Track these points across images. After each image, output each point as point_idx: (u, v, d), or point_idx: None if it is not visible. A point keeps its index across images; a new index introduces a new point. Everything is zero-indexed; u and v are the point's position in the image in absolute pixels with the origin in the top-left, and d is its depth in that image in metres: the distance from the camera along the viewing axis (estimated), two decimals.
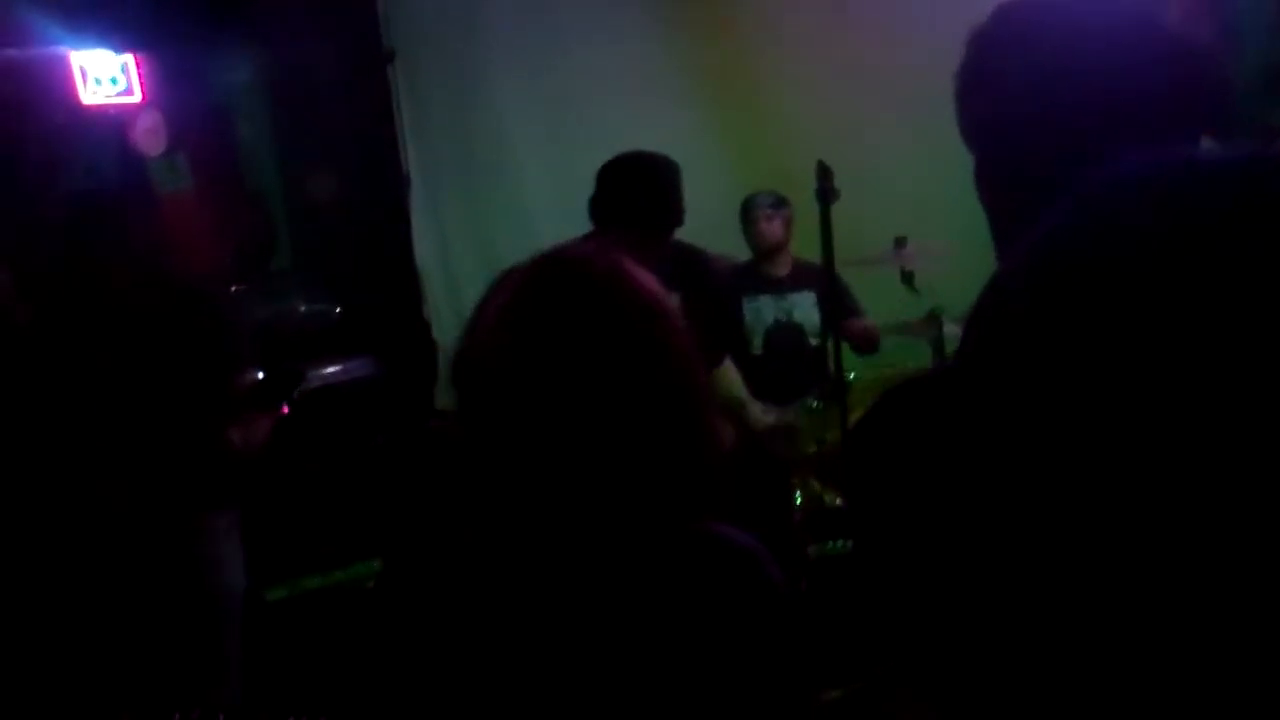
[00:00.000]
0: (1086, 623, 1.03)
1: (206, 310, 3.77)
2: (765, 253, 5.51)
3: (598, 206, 4.06)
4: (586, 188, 6.41)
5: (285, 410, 3.92)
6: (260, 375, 3.72)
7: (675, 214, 4.05)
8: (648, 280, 1.60)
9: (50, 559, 3.63)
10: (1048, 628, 1.07)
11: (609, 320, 1.52)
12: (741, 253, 5.63)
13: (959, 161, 4.85)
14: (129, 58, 7.71)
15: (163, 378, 3.57)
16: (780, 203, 5.47)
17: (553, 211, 6.41)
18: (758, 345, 5.47)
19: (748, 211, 5.52)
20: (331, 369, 5.39)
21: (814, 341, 5.45)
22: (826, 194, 3.75)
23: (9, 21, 5.72)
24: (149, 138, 8.10)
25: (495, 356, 1.55)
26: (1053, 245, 1.13)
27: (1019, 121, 1.32)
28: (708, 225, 5.98)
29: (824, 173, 3.79)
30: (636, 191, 3.97)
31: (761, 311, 5.49)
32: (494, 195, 6.48)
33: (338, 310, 6.00)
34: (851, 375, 4.54)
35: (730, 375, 4.58)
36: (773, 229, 5.48)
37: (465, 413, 1.59)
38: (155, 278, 3.69)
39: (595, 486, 1.50)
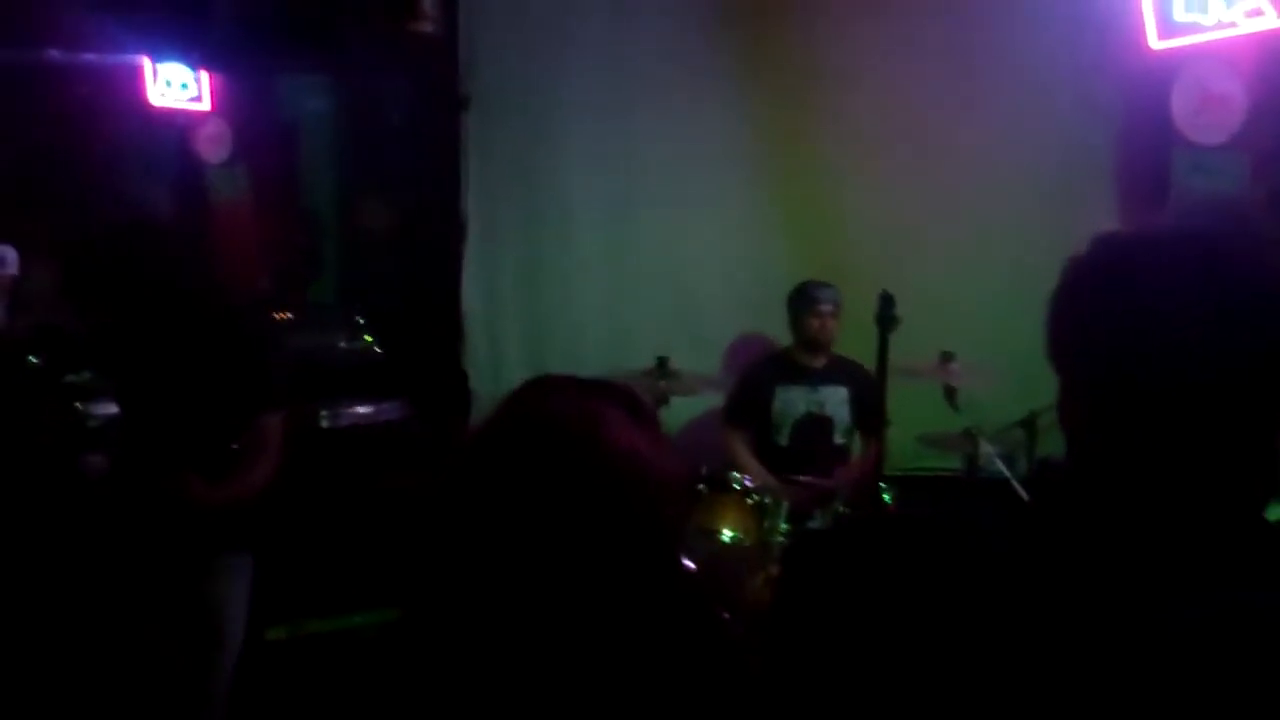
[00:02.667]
0: None
1: (246, 345, 3.75)
2: (811, 346, 5.45)
3: None
4: (640, 255, 6.50)
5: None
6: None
7: None
8: (630, 442, 1.47)
9: (58, 574, 3.65)
10: None
11: (572, 482, 1.43)
12: (782, 335, 5.61)
13: (1010, 289, 4.84)
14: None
15: (195, 407, 3.56)
16: (839, 301, 5.39)
17: (604, 275, 6.46)
18: (785, 436, 5.43)
19: (808, 303, 5.41)
20: (364, 409, 5.37)
21: (841, 440, 5.42)
22: (887, 321, 3.72)
23: (90, 27, 5.78)
24: (212, 145, 8.20)
25: (454, 498, 1.48)
26: None
27: (1103, 363, 1.28)
28: (753, 306, 6.03)
29: (887, 301, 3.76)
30: None
31: (793, 402, 5.44)
32: (548, 254, 6.49)
33: (377, 350, 6.00)
34: (887, 496, 4.51)
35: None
36: (831, 327, 5.41)
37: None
38: (200, 306, 3.68)
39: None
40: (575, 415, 1.47)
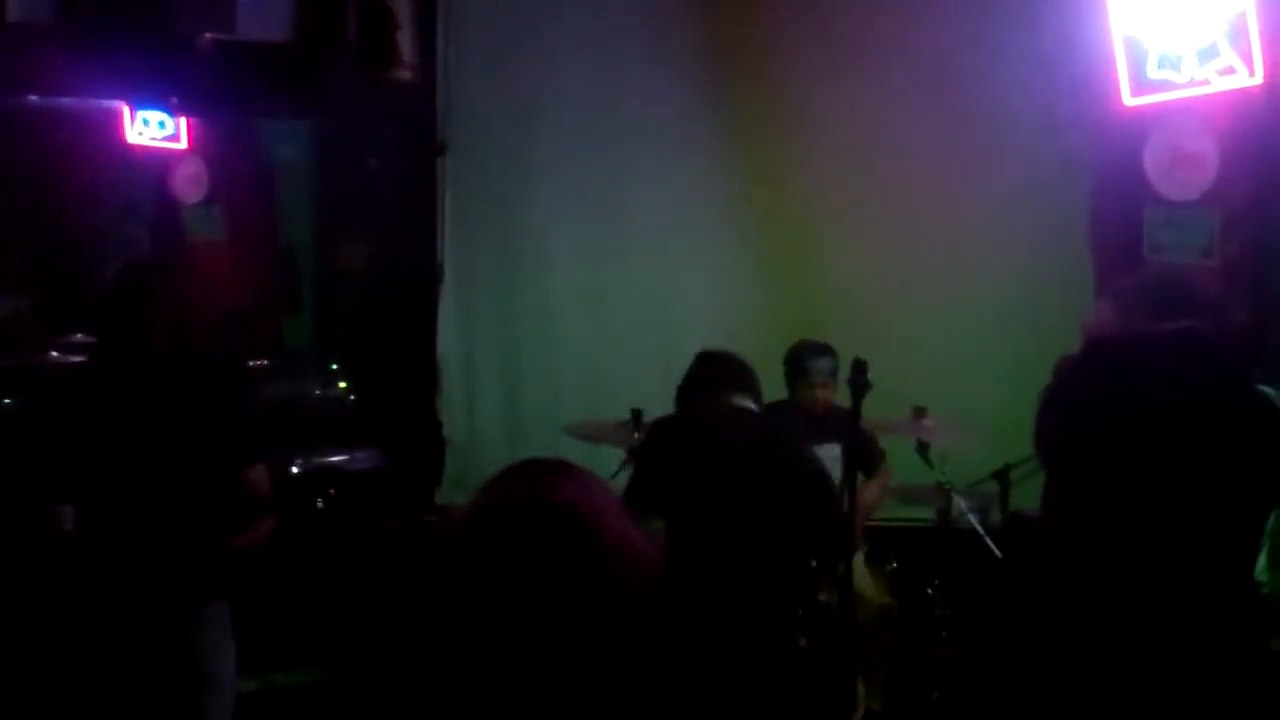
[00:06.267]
0: None
1: (225, 396, 3.74)
2: (806, 414, 5.20)
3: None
4: (618, 304, 6.50)
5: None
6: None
7: None
8: (623, 530, 1.49)
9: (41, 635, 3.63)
10: None
11: (574, 571, 1.44)
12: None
13: (985, 344, 4.84)
14: None
15: (177, 458, 3.53)
16: (835, 368, 5.15)
17: (581, 324, 6.46)
18: None
19: (804, 373, 5.20)
20: (338, 457, 5.36)
21: None
22: (860, 387, 3.75)
23: (69, 73, 5.78)
24: (189, 184, 8.18)
25: (446, 577, 1.47)
26: None
27: (1088, 457, 1.31)
28: None
29: (860, 367, 3.77)
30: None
31: None
32: (524, 301, 6.49)
33: (352, 398, 5.98)
34: (859, 555, 4.50)
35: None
36: (826, 396, 5.20)
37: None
38: (184, 354, 3.65)
39: None
40: (579, 503, 1.47)
